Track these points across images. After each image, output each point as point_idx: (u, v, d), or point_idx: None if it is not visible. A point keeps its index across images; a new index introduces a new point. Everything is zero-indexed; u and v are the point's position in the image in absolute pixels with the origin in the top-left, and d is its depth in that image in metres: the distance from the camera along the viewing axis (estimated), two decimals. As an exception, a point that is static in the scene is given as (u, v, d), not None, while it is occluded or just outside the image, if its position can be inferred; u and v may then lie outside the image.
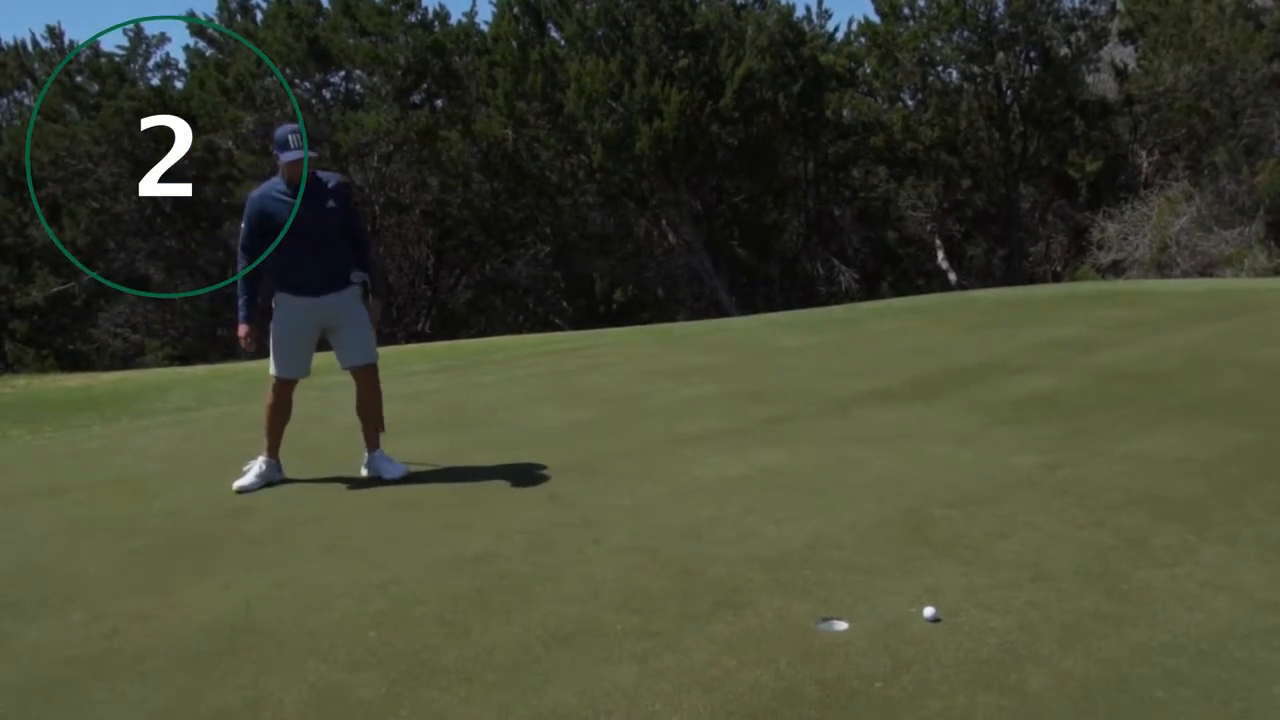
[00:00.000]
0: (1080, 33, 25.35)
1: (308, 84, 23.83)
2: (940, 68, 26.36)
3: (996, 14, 24.84)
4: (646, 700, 3.05)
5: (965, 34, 25.12)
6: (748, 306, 22.35)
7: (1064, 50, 25.30)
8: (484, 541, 4.43)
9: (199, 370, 11.76)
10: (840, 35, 27.59)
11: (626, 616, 3.61)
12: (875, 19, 26.22)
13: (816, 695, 3.04)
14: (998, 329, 10.02)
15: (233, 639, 3.58)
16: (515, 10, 23.77)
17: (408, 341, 20.63)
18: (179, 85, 25.04)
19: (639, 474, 5.32)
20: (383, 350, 14.10)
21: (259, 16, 24.38)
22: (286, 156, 5.26)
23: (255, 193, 5.41)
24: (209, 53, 24.59)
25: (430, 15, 24.42)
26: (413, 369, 9.78)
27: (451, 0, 34.91)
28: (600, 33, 23.44)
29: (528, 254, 26.01)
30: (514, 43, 23.35)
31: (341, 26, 23.34)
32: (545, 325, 23.71)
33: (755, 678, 3.15)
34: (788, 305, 20.46)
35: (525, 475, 5.42)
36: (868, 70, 26.81)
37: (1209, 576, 3.76)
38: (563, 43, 24.06)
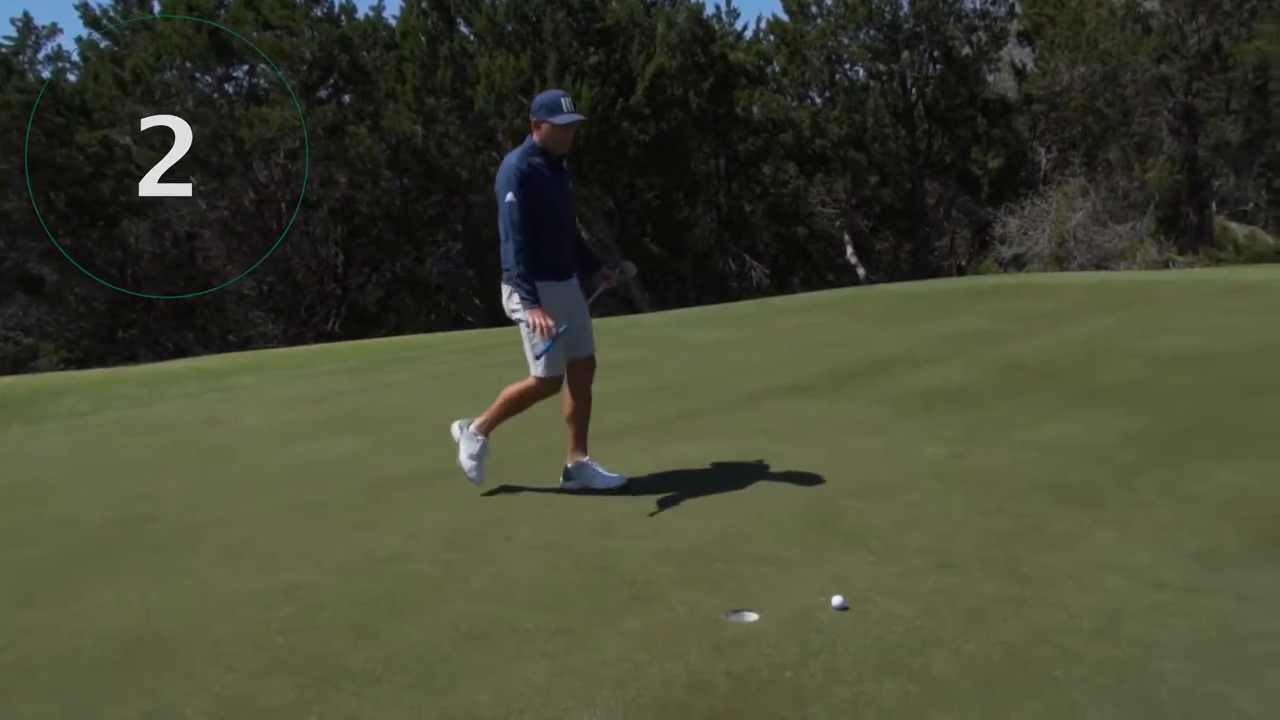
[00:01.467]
0: (981, 33, 26.11)
1: (209, 78, 23.20)
2: (847, 66, 26.88)
3: (901, 13, 25.41)
4: (559, 697, 3.05)
5: (871, 33, 25.66)
6: (660, 303, 22.47)
7: (966, 50, 26.03)
8: (394, 542, 4.37)
9: (96, 374, 11.36)
10: (749, 33, 27.98)
11: (538, 614, 3.60)
12: (784, 17, 26.60)
13: (727, 686, 3.07)
14: (905, 322, 10.22)
15: (132, 650, 3.47)
16: (423, 4, 23.50)
17: (316, 341, 20.24)
18: (72, 78, 24.18)
19: (552, 471, 5.30)
20: (289, 351, 13.68)
21: (156, 8, 23.64)
22: (559, 120, 4.64)
23: (514, 163, 4.65)
24: (104, 44, 23.78)
25: (336, 9, 24.02)
26: (320, 369, 9.60)
27: (358, -6, 34.38)
28: (510, 28, 23.33)
29: (439, 251, 25.74)
30: (423, 37, 23.11)
31: (244, 19, 22.77)
32: (458, 323, 23.48)
33: (666, 671, 3.17)
34: (700, 301, 20.59)
35: (436, 475, 5.35)
36: (777, 68, 27.21)
37: (1104, 558, 3.90)
38: (472, 38, 23.89)
